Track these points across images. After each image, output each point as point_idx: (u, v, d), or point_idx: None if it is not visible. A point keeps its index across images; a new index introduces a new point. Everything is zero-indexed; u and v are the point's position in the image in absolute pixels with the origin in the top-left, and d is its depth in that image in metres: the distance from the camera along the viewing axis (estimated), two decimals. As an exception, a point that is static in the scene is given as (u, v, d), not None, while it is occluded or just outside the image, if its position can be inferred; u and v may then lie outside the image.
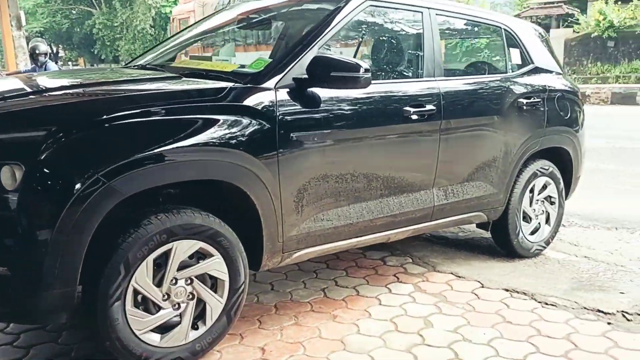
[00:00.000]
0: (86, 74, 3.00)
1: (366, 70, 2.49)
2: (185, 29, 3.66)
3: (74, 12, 36.51)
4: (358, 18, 2.90)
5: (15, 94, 2.29)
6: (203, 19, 3.64)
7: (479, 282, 3.28)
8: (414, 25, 3.19)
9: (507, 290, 3.16)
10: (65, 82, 2.69)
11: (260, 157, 2.37)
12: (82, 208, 1.95)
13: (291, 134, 2.47)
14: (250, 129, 2.36)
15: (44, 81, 2.68)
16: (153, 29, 34.34)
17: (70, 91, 2.38)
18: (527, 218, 3.78)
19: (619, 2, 20.41)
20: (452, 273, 3.42)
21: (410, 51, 3.21)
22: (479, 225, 3.73)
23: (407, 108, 2.90)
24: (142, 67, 3.06)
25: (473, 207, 3.40)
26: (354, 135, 2.72)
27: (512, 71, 3.67)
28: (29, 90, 2.39)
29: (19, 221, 1.91)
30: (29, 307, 2.00)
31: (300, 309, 2.92)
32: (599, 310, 2.87)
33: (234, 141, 2.30)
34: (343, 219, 2.76)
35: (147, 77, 2.57)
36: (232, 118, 2.32)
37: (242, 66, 2.72)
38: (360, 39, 3.06)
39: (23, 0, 32.37)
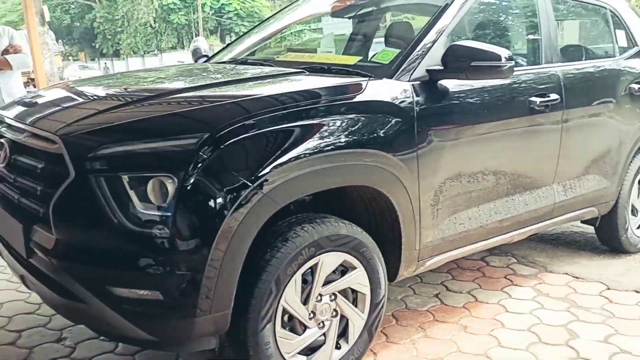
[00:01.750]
0: (181, 74, 2.76)
1: (509, 59, 2.26)
2: (266, 20, 3.43)
3: (72, 6, 36.17)
4: (481, 4, 2.67)
5: (141, 98, 2.08)
6: (287, 7, 3.40)
7: (602, 283, 3.05)
8: (529, 7, 2.95)
9: (638, 292, 2.93)
10: (187, 83, 2.46)
11: (400, 157, 2.15)
12: (240, 223, 1.74)
13: (428, 130, 2.25)
14: (391, 127, 2.14)
15: (158, 84, 2.46)
16: (155, 22, 34.14)
17: (204, 93, 2.14)
18: (634, 211, 3.54)
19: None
20: (567, 274, 3.20)
21: (528, 36, 2.97)
22: (584, 221, 3.50)
23: (533, 98, 2.67)
24: (244, 62, 2.82)
25: (588, 202, 3.17)
26: (484, 129, 2.49)
27: (620, 54, 3.41)
28: (151, 94, 2.18)
29: (172, 240, 1.69)
30: (180, 333, 1.79)
31: (421, 318, 2.70)
32: None
33: (378, 141, 2.08)
34: (474, 221, 2.54)
35: (270, 74, 2.33)
36: (375, 116, 2.10)
37: (364, 59, 2.48)
38: (478, 24, 2.82)
39: (20, -5, 32.06)
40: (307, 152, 1.87)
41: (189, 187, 1.68)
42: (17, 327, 2.67)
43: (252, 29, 3.48)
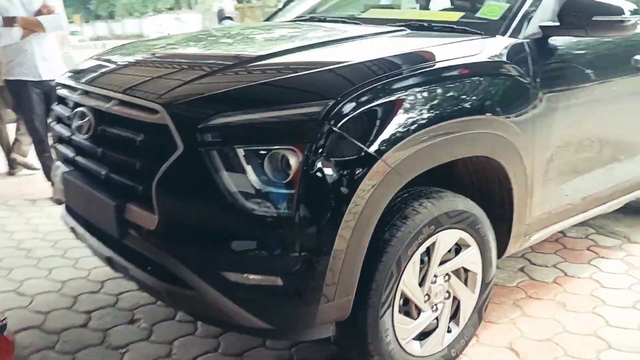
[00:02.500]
0: (259, 35, 2.52)
1: (634, 12, 2.03)
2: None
3: (67, -34, 35.36)
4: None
5: (235, 63, 1.87)
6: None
7: (694, 254, 2.88)
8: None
9: None
10: (278, 45, 2.21)
11: (518, 123, 1.95)
12: (367, 200, 1.55)
13: (543, 93, 2.04)
14: (510, 90, 1.94)
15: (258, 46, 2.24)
16: None
17: (306, 56, 1.88)
18: None
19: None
20: (653, 244, 3.03)
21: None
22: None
23: (638, 57, 2.45)
24: (322, 21, 2.58)
25: (676, 169, 2.97)
26: (592, 90, 2.28)
27: None
28: (246, 59, 1.94)
29: (296, 220, 1.50)
30: (300, 322, 1.63)
31: (514, 295, 2.54)
32: None
33: (498, 107, 1.88)
34: (578, 192, 2.36)
35: (371, 33, 2.09)
36: (495, 78, 1.90)
37: (466, 14, 2.24)
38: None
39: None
40: (433, 119, 1.67)
41: (314, 161, 1.48)
42: (85, 307, 2.52)
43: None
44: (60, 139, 2.12)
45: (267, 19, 3.10)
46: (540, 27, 2.08)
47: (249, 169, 1.51)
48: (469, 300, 2.02)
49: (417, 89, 1.67)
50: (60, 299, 2.60)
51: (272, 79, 1.67)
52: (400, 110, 1.61)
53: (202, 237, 1.59)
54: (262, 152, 1.51)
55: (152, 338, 2.29)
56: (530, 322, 2.32)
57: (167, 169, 1.56)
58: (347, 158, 1.53)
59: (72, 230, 2.15)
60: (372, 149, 1.55)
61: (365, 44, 1.99)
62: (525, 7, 2.08)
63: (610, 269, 2.76)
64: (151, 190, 1.60)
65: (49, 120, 2.22)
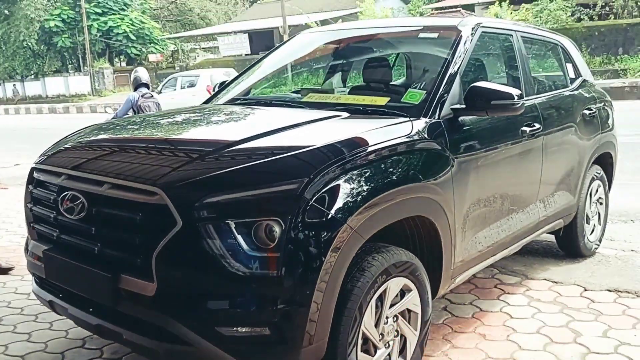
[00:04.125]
0: (224, 119, 2.82)
1: (519, 97, 2.60)
2: (262, 59, 3.57)
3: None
4: (476, 44, 3.00)
5: (214, 148, 2.18)
6: (282, 44, 3.57)
7: (578, 285, 3.48)
8: (508, 47, 3.35)
9: (610, 290, 3.38)
10: (247, 130, 2.53)
11: (443, 188, 2.41)
12: (337, 258, 1.90)
13: (457, 163, 2.53)
14: (436, 162, 2.41)
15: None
16: (36, 45, 32.85)
17: (276, 140, 2.21)
18: (587, 220, 4.04)
19: (512, 6, 21.72)
20: (546, 279, 3.60)
21: (511, 72, 3.36)
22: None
23: (524, 128, 3.05)
24: (267, 104, 2.95)
25: (558, 215, 3.61)
26: (493, 157, 2.81)
27: (571, 84, 3.92)
28: (224, 144, 2.23)
29: (279, 281, 1.82)
30: (284, 366, 1.91)
31: (442, 331, 2.96)
32: None
33: (430, 175, 2.33)
34: (487, 239, 2.85)
35: (321, 117, 2.48)
36: (425, 152, 2.36)
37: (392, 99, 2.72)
38: (472, 65, 3.14)
39: None
40: (385, 188, 2.07)
41: (295, 229, 1.82)
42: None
43: (245, 71, 3.58)
44: (38, 219, 2.29)
45: (207, 101, 3.40)
46: (452, 109, 2.59)
47: (239, 238, 1.82)
48: (412, 337, 2.39)
49: (369, 166, 2.07)
50: (49, 356, 2.73)
51: (253, 163, 2.00)
52: (357, 184, 2.00)
53: (198, 299, 1.85)
54: (250, 223, 1.83)
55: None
56: (460, 352, 2.73)
57: (167, 242, 1.82)
58: (320, 224, 1.88)
59: (50, 303, 2.29)
60: (338, 216, 1.91)
61: (322, 128, 2.39)
62: (439, 94, 2.59)
63: (516, 303, 3.27)
64: (151, 262, 1.85)
65: (25, 202, 2.37)
